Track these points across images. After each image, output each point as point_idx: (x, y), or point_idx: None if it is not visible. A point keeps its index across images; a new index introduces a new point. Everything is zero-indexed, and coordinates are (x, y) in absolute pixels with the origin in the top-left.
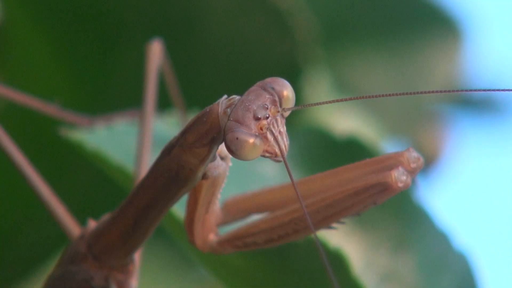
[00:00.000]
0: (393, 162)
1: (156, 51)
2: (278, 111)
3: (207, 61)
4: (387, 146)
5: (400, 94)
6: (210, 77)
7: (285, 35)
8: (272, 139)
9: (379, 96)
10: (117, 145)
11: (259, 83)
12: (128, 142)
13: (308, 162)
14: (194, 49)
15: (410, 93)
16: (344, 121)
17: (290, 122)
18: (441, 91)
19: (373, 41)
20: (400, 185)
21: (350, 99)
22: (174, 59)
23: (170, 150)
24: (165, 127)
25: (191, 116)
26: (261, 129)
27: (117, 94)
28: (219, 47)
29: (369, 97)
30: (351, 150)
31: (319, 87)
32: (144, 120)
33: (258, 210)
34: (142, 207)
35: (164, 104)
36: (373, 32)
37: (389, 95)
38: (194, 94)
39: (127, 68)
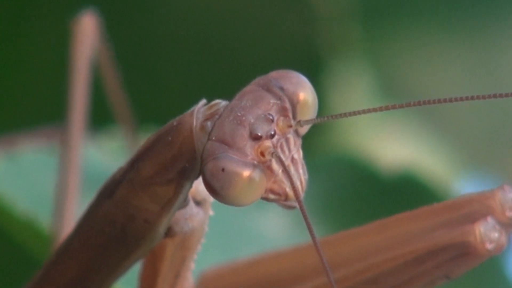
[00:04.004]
0: (477, 209)
1: (88, 29)
2: (291, 126)
3: (177, 45)
4: (466, 186)
5: (485, 97)
6: (179, 72)
7: (300, 11)
8: (280, 171)
9: (450, 100)
10: (23, 185)
11: (259, 80)
12: (42, 180)
13: (338, 210)
14: (154, 25)
15: (501, 95)
16: (395, 147)
17: (308, 146)
18: None
19: (440, 20)
20: (489, 246)
21: (406, 105)
22: (120, 42)
23: (112, 190)
24: (102, 155)
25: (147, 136)
26: (263, 154)
27: (23, 101)
28: (196, 23)
29: (432, 102)
30: (406, 192)
31: (353, 89)
32: (68, 144)
33: None
34: (67, 283)
35: (100, 117)
36: (440, 7)
37: (467, 98)
38: (153, 100)
39: (40, 57)
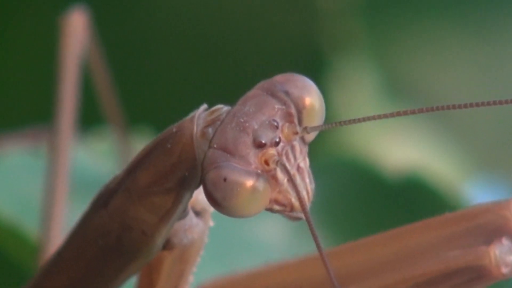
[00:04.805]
0: (491, 219)
1: (77, 26)
2: (296, 133)
3: (172, 42)
4: (475, 190)
5: (500, 102)
6: (174, 70)
7: (303, 7)
8: (285, 180)
9: (462, 106)
10: (8, 189)
11: (263, 84)
12: (28, 184)
13: (342, 214)
14: (148, 22)
15: None
16: (401, 149)
17: (311, 147)
18: None
19: (447, 15)
20: (505, 270)
21: (414, 111)
22: (111, 39)
23: (107, 200)
24: (92, 158)
25: (138, 137)
26: (267, 163)
27: (9, 100)
28: (194, 19)
29: (443, 108)
30: (412, 196)
31: (358, 86)
32: (56, 146)
33: None
34: None
35: (90, 118)
36: (446, 2)
37: (481, 104)
38: (145, 100)
39: (27, 54)
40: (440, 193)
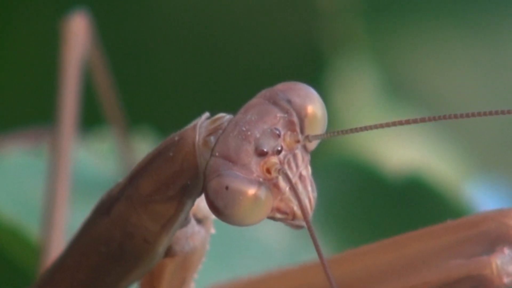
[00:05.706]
0: (494, 229)
1: (79, 30)
2: (298, 141)
3: (172, 43)
4: (478, 193)
5: (503, 112)
6: (174, 71)
7: (303, 6)
8: (287, 188)
9: (469, 115)
10: (9, 189)
11: (265, 93)
12: (29, 184)
13: (342, 214)
14: (148, 22)
15: None
16: (402, 149)
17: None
18: None
19: (447, 14)
20: (506, 280)
21: (416, 121)
22: (112, 41)
23: (109, 207)
24: (93, 158)
25: (139, 137)
26: (269, 171)
27: (10, 101)
28: (194, 21)
29: (450, 117)
30: (413, 196)
31: (358, 86)
32: (57, 146)
33: None
34: None
35: (91, 118)
36: (446, 0)
37: (484, 114)
38: (145, 101)
39: (29, 56)
40: (441, 193)
